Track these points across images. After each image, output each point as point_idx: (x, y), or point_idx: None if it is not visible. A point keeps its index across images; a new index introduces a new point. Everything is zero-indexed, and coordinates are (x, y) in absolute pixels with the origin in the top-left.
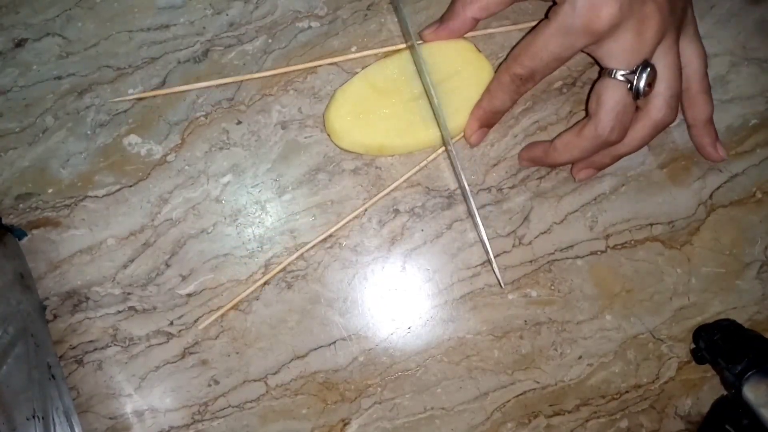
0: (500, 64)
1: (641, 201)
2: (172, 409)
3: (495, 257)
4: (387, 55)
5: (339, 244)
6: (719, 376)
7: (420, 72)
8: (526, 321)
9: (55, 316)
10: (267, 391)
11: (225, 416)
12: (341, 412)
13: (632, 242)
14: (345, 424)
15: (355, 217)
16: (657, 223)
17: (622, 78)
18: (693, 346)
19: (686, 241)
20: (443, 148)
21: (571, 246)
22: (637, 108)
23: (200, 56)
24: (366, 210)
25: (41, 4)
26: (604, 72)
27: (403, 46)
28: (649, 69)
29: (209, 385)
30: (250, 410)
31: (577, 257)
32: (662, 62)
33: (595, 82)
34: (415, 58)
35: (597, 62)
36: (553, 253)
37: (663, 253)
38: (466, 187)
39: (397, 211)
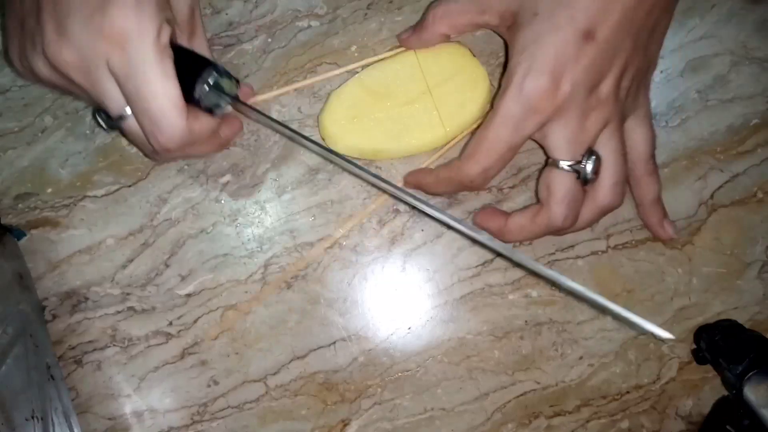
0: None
1: None
2: (171, 409)
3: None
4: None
5: (339, 244)
6: (720, 377)
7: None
8: (526, 321)
9: (54, 317)
10: (266, 392)
11: (224, 417)
12: (341, 413)
13: (633, 242)
14: (345, 425)
15: (354, 216)
16: None
17: (568, 168)
18: (694, 346)
19: (687, 241)
20: (444, 149)
21: (572, 246)
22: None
23: None
24: (364, 203)
25: None
26: (550, 161)
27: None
28: (594, 157)
29: (208, 386)
30: (249, 411)
31: (578, 257)
32: (606, 149)
33: (542, 169)
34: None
35: (544, 151)
36: (553, 253)
37: (664, 253)
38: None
39: (397, 211)
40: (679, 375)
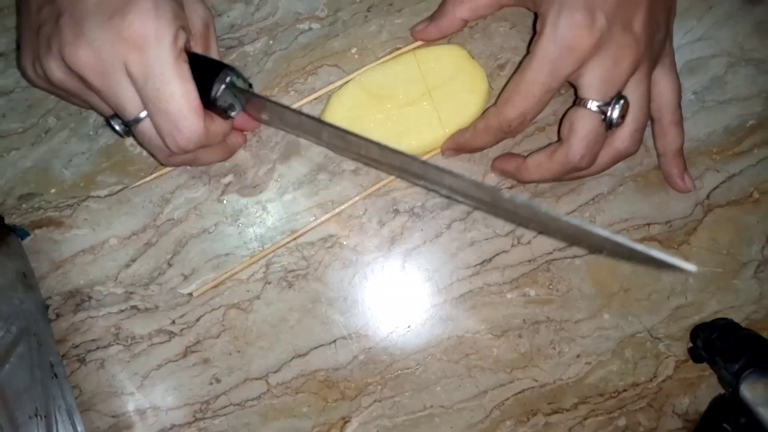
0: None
1: (639, 201)
2: (173, 407)
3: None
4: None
5: (339, 243)
6: (717, 375)
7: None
8: (524, 320)
9: (58, 315)
10: (268, 390)
11: (226, 414)
12: (342, 410)
13: None
14: (345, 422)
15: (354, 216)
16: (654, 223)
17: (596, 109)
18: (690, 345)
19: (684, 241)
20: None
21: (570, 245)
22: None
23: None
24: (365, 208)
25: None
26: (579, 101)
27: (402, 50)
28: (622, 102)
29: (211, 384)
30: (251, 408)
31: (576, 257)
32: (633, 94)
33: (568, 109)
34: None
35: (574, 90)
36: (551, 253)
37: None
38: None
39: (396, 211)
40: (675, 373)
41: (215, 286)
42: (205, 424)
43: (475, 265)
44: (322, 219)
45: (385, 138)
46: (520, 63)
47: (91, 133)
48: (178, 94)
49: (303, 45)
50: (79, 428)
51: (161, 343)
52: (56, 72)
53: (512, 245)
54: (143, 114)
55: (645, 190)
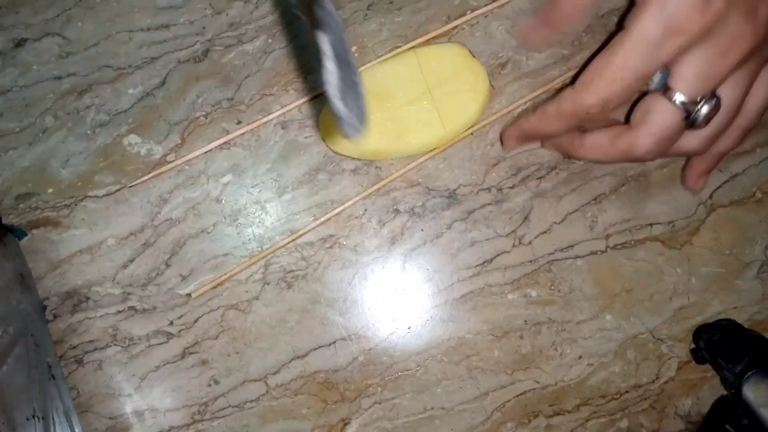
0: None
1: (641, 201)
2: (172, 408)
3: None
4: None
5: (339, 243)
6: (719, 376)
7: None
8: (526, 321)
9: (55, 316)
10: (267, 391)
11: (225, 416)
12: (341, 412)
13: (632, 242)
14: (345, 424)
15: (354, 216)
16: (657, 223)
17: (680, 104)
18: (693, 346)
19: (686, 241)
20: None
21: (571, 246)
22: None
23: (200, 56)
24: (365, 208)
25: (41, 4)
26: (665, 90)
27: (402, 48)
28: (714, 101)
29: (209, 385)
30: (250, 410)
31: (577, 257)
32: (730, 95)
33: (646, 92)
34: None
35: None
36: (553, 253)
37: (663, 253)
38: None
39: (397, 211)
40: (678, 374)
41: (214, 287)
42: (204, 426)
43: (476, 266)
44: (322, 219)
45: (385, 137)
46: (608, 41)
47: (88, 132)
48: None
49: (303, 43)
50: (76, 430)
51: (159, 344)
52: None
53: (513, 245)
54: None
55: (648, 190)
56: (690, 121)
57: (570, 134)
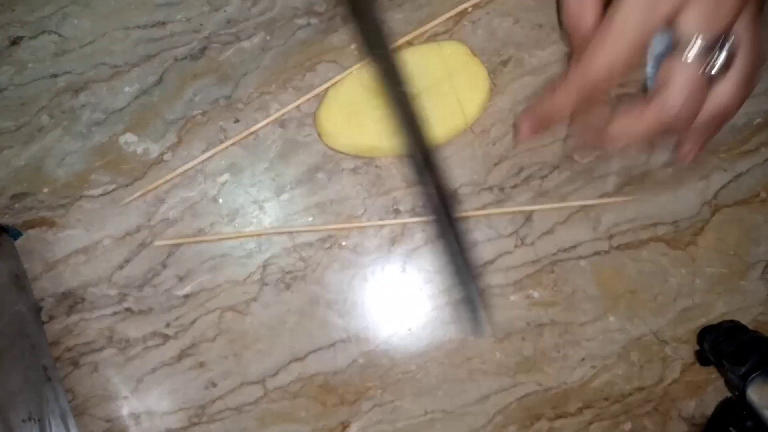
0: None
1: (645, 201)
2: (168, 411)
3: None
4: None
5: (339, 244)
6: (723, 378)
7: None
8: (528, 323)
9: (51, 318)
10: (265, 394)
11: (222, 419)
12: (341, 415)
13: (636, 242)
14: (345, 427)
15: (354, 217)
16: (661, 223)
17: (696, 52)
18: (697, 347)
19: (690, 242)
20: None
21: (574, 246)
22: None
23: (197, 54)
24: (365, 208)
25: (37, 2)
26: (675, 53)
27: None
28: (731, 42)
29: (206, 388)
30: (248, 413)
31: (580, 258)
32: (744, 34)
33: (661, 63)
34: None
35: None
36: (555, 254)
37: (667, 253)
38: None
39: (397, 211)
40: (682, 376)
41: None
42: (201, 429)
43: (478, 267)
44: (329, 227)
45: (383, 135)
46: (606, 11)
47: (84, 131)
48: None
49: (301, 41)
50: None
51: (156, 346)
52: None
53: (515, 246)
54: None
55: (651, 190)
56: (710, 68)
57: (595, 128)
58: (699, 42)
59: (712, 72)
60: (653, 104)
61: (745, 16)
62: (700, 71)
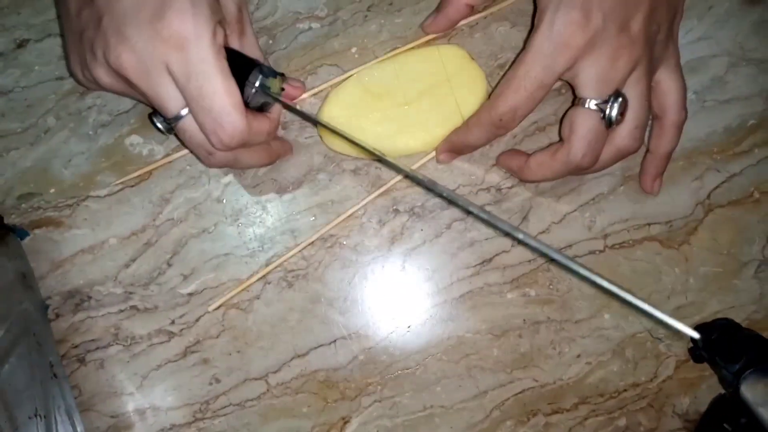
0: (505, 70)
1: (639, 201)
2: (173, 407)
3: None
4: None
5: (339, 243)
6: (717, 375)
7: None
8: (524, 320)
9: (57, 316)
10: (268, 390)
11: (226, 414)
12: (341, 411)
13: (630, 242)
14: (345, 423)
15: (354, 216)
16: (655, 223)
17: (594, 107)
18: (691, 345)
19: (684, 241)
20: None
21: (570, 246)
22: None
23: None
24: (365, 208)
25: (43, 5)
26: (578, 101)
27: (401, 49)
28: (620, 99)
29: (210, 384)
30: (251, 408)
31: (576, 257)
32: (633, 92)
33: (568, 109)
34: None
35: (572, 90)
36: None
37: (661, 252)
38: None
39: (396, 211)
40: (676, 373)
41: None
42: (205, 425)
43: (476, 265)
44: (329, 227)
45: (382, 137)
46: (515, 59)
47: (90, 132)
48: (221, 91)
49: (303, 44)
50: (78, 428)
51: (161, 343)
52: (104, 77)
53: (512, 245)
54: (184, 111)
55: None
56: (607, 119)
57: (517, 159)
58: (593, 100)
59: (610, 120)
60: (563, 150)
61: (634, 75)
62: (599, 118)
